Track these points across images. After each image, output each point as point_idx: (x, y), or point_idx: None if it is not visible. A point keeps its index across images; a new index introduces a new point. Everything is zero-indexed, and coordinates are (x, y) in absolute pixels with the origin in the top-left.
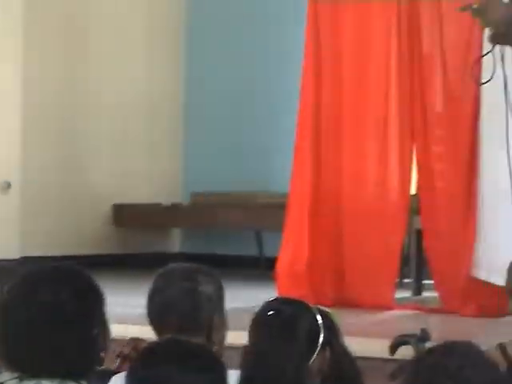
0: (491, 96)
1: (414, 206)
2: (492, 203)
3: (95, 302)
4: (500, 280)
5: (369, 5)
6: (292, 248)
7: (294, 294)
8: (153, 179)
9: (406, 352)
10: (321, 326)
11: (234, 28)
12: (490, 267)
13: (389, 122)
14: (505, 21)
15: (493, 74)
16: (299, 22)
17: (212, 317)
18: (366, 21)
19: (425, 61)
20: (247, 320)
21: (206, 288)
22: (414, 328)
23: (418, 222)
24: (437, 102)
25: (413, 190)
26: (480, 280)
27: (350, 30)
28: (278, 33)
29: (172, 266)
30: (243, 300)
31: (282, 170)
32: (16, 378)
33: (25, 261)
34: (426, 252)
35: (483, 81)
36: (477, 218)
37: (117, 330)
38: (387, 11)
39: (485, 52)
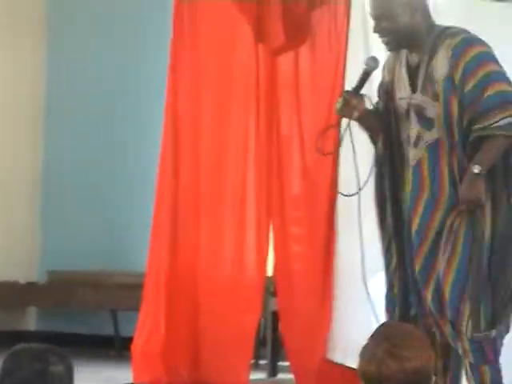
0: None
1: (271, 288)
2: (347, 285)
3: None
4: (355, 363)
5: (229, 84)
6: (148, 328)
7: (148, 374)
8: (9, 256)
9: None
10: None
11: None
12: (345, 349)
13: (246, 201)
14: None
15: (339, 145)
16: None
17: None
18: (225, 100)
19: (283, 142)
20: None
21: (57, 368)
22: None
23: (274, 304)
24: (294, 184)
25: (269, 272)
26: (335, 362)
27: (209, 109)
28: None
29: (21, 346)
30: (97, 380)
31: (139, 249)
32: None
33: None
34: (282, 333)
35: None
36: (332, 300)
37: None
38: (247, 92)
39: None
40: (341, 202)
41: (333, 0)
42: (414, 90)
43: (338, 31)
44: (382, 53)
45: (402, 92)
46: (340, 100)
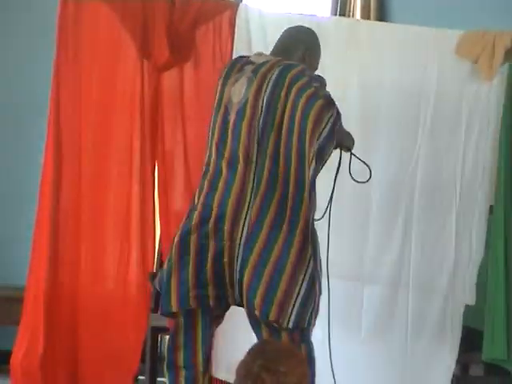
0: None
1: (150, 304)
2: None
3: None
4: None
5: (113, 100)
6: (27, 342)
7: None
8: None
9: None
10: None
11: None
12: (228, 367)
13: (131, 218)
14: None
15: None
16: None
17: None
18: (109, 116)
19: (167, 158)
20: None
21: None
22: None
23: (154, 320)
24: (179, 200)
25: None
26: (220, 380)
27: (93, 124)
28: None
29: None
30: None
31: (21, 263)
32: None
33: None
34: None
35: None
36: None
37: None
38: (131, 108)
39: None
40: None
41: (217, 18)
42: None
43: (222, 49)
44: None
45: None
46: None
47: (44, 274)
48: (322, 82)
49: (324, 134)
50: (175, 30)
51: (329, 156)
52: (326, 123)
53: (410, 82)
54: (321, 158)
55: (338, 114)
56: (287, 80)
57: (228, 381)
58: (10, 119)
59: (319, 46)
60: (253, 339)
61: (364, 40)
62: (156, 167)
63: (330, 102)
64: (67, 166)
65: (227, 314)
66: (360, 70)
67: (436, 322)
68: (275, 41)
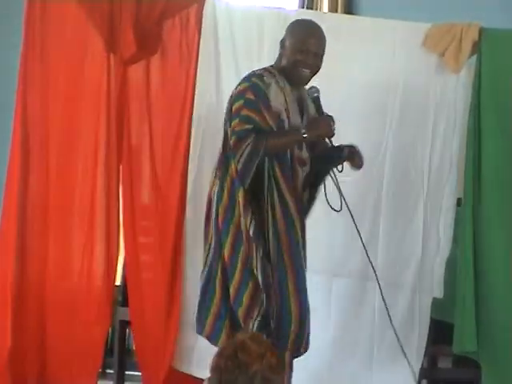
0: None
1: (119, 297)
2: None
3: None
4: (200, 372)
5: (79, 94)
6: None
7: None
8: None
9: None
10: None
11: None
12: (191, 360)
13: (96, 211)
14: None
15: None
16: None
17: None
18: (75, 110)
19: (133, 152)
20: None
21: None
22: None
23: (122, 313)
24: (144, 194)
25: (118, 281)
26: (182, 372)
27: (59, 119)
28: None
29: None
30: None
31: None
32: None
33: None
34: (134, 343)
35: None
36: (179, 311)
37: None
38: (97, 102)
39: None
40: (191, 211)
41: (184, 12)
42: (302, 119)
43: (189, 42)
44: (230, 66)
45: (295, 120)
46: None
47: (11, 267)
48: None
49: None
50: (142, 24)
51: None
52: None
53: (377, 75)
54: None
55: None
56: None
57: (190, 373)
58: None
59: (289, 34)
60: None
61: (330, 32)
62: (121, 161)
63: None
64: (34, 160)
65: (191, 308)
66: (326, 63)
67: (404, 314)
68: (242, 34)
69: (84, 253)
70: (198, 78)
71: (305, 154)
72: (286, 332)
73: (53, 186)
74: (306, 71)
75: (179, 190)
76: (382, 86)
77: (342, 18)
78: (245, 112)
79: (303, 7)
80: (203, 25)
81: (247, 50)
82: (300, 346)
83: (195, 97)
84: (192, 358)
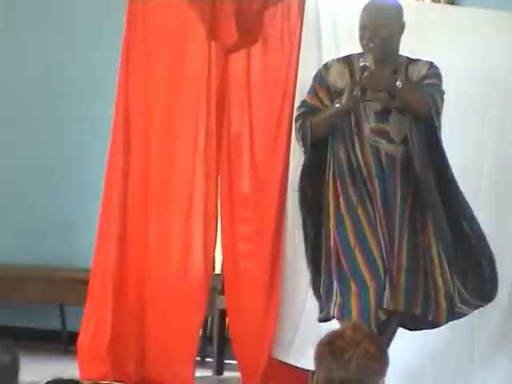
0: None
1: (218, 286)
2: (294, 284)
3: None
4: (300, 361)
5: (180, 82)
6: (94, 324)
7: (95, 370)
8: None
9: None
10: None
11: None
12: (290, 348)
13: (194, 199)
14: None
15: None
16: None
17: None
18: (176, 98)
19: (233, 140)
20: None
21: (2, 358)
22: None
23: (221, 302)
24: (244, 182)
25: (217, 270)
26: (281, 361)
27: (160, 107)
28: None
29: None
30: (42, 374)
31: (87, 245)
32: None
33: None
34: (229, 331)
35: None
36: (279, 299)
37: None
38: (198, 90)
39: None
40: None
41: (286, 1)
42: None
43: (290, 31)
44: (332, 56)
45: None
46: (357, 88)
47: (112, 256)
48: None
49: None
50: (243, 12)
51: None
52: None
53: (479, 68)
54: None
55: None
56: None
57: (289, 362)
58: (73, 105)
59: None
60: (315, 322)
61: (433, 24)
62: (221, 149)
63: None
64: (135, 147)
65: (291, 296)
66: (427, 55)
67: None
68: (344, 23)
69: (183, 241)
70: (299, 67)
71: (380, 124)
72: None
73: (153, 173)
74: (369, 44)
75: (280, 180)
76: (484, 78)
77: (444, 8)
78: (304, 98)
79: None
80: (305, 14)
81: (349, 38)
82: None
83: (296, 86)
84: (292, 347)
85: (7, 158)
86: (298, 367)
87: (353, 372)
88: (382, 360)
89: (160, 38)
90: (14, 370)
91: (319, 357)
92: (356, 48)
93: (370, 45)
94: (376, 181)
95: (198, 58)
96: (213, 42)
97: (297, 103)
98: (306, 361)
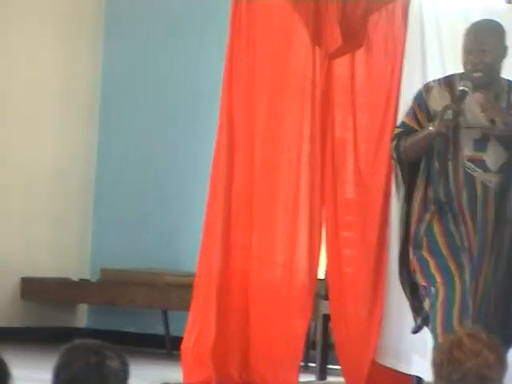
0: None
1: (322, 291)
2: (398, 290)
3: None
4: (404, 367)
5: (284, 86)
6: (198, 328)
7: (198, 374)
8: (62, 253)
9: None
10: None
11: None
12: (396, 354)
13: (299, 204)
14: None
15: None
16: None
17: None
18: (280, 102)
19: (337, 145)
20: None
21: (113, 362)
22: None
23: (325, 307)
24: (348, 188)
25: (321, 275)
26: (386, 367)
27: (264, 111)
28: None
29: (77, 341)
30: (147, 379)
31: (190, 249)
32: None
33: None
34: (333, 337)
35: None
36: (383, 305)
37: None
38: (302, 94)
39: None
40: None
41: (390, 6)
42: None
43: (395, 36)
44: (436, 59)
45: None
46: (449, 112)
47: (216, 260)
48: None
49: None
50: (347, 18)
51: None
52: None
53: None
54: None
55: None
56: None
57: (395, 368)
58: (180, 109)
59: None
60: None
61: None
62: (325, 154)
63: None
64: (240, 151)
65: (395, 302)
66: None
67: None
68: (448, 29)
69: (287, 245)
70: (403, 73)
71: (478, 153)
72: None
73: (257, 177)
74: (474, 74)
75: (384, 185)
76: None
77: None
78: (402, 118)
79: (510, 2)
80: (409, 19)
81: (453, 44)
82: None
83: (400, 91)
84: (396, 352)
85: (112, 162)
86: (402, 372)
87: (472, 383)
88: (501, 368)
89: (264, 40)
90: (124, 376)
91: (438, 366)
92: (459, 51)
93: (475, 74)
94: (468, 213)
95: (302, 62)
96: (317, 47)
97: (401, 107)
98: (411, 366)
